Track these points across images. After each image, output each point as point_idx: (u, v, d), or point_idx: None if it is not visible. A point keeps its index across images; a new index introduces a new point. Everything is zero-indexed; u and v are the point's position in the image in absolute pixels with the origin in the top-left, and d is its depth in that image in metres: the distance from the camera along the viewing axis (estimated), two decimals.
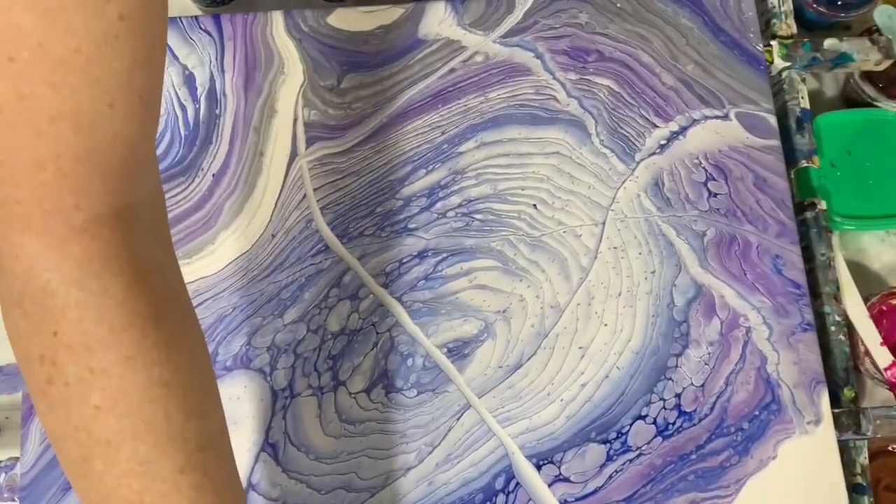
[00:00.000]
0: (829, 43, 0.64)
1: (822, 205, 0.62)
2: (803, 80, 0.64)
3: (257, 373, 0.55)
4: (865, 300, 0.61)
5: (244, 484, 0.53)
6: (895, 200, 0.65)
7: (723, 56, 0.62)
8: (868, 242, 0.67)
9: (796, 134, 0.63)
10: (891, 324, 0.61)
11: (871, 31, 0.67)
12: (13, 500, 0.54)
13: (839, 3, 0.67)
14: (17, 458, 0.54)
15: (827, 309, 0.59)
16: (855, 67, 0.66)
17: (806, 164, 0.62)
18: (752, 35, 0.62)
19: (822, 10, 0.67)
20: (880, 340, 0.60)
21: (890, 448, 0.61)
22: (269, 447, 0.53)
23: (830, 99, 0.71)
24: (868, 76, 0.67)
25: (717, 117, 0.61)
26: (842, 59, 0.64)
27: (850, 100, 0.70)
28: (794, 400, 0.55)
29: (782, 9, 0.65)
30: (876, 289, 0.64)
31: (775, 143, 0.60)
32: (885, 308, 0.61)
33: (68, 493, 0.52)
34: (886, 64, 0.65)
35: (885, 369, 0.59)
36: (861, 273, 0.66)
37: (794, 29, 0.65)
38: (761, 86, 0.61)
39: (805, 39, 0.65)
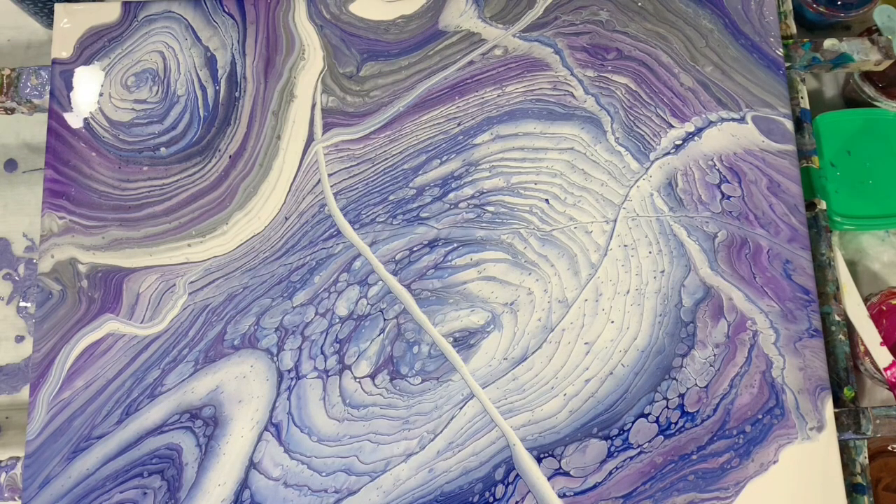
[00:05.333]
0: (829, 43, 0.62)
1: (822, 205, 0.60)
2: (803, 80, 0.62)
3: (264, 353, 0.54)
4: (865, 300, 0.60)
5: (246, 462, 0.52)
6: (895, 200, 0.63)
7: (742, 59, 0.60)
8: (868, 242, 0.65)
9: (796, 134, 0.61)
10: (891, 324, 0.60)
11: (871, 31, 0.65)
12: (14, 500, 0.52)
13: (839, 3, 0.65)
14: (17, 458, 0.53)
15: (827, 309, 0.58)
16: (855, 67, 0.64)
17: (806, 164, 0.60)
18: (772, 39, 0.60)
19: (822, 10, 0.65)
20: (880, 340, 0.58)
21: (890, 448, 0.59)
22: (272, 427, 0.52)
23: (830, 99, 0.69)
24: (868, 76, 0.65)
25: (733, 120, 0.59)
26: (842, 59, 0.62)
27: (850, 100, 0.68)
28: (797, 405, 0.53)
29: (782, 9, 0.63)
30: (876, 289, 0.62)
31: (791, 147, 0.58)
32: (885, 308, 0.60)
33: (72, 462, 0.52)
34: (886, 64, 0.63)
35: (885, 369, 0.58)
36: (861, 273, 0.64)
37: (794, 29, 0.63)
38: (779, 90, 0.59)
39: (805, 39, 0.63)
